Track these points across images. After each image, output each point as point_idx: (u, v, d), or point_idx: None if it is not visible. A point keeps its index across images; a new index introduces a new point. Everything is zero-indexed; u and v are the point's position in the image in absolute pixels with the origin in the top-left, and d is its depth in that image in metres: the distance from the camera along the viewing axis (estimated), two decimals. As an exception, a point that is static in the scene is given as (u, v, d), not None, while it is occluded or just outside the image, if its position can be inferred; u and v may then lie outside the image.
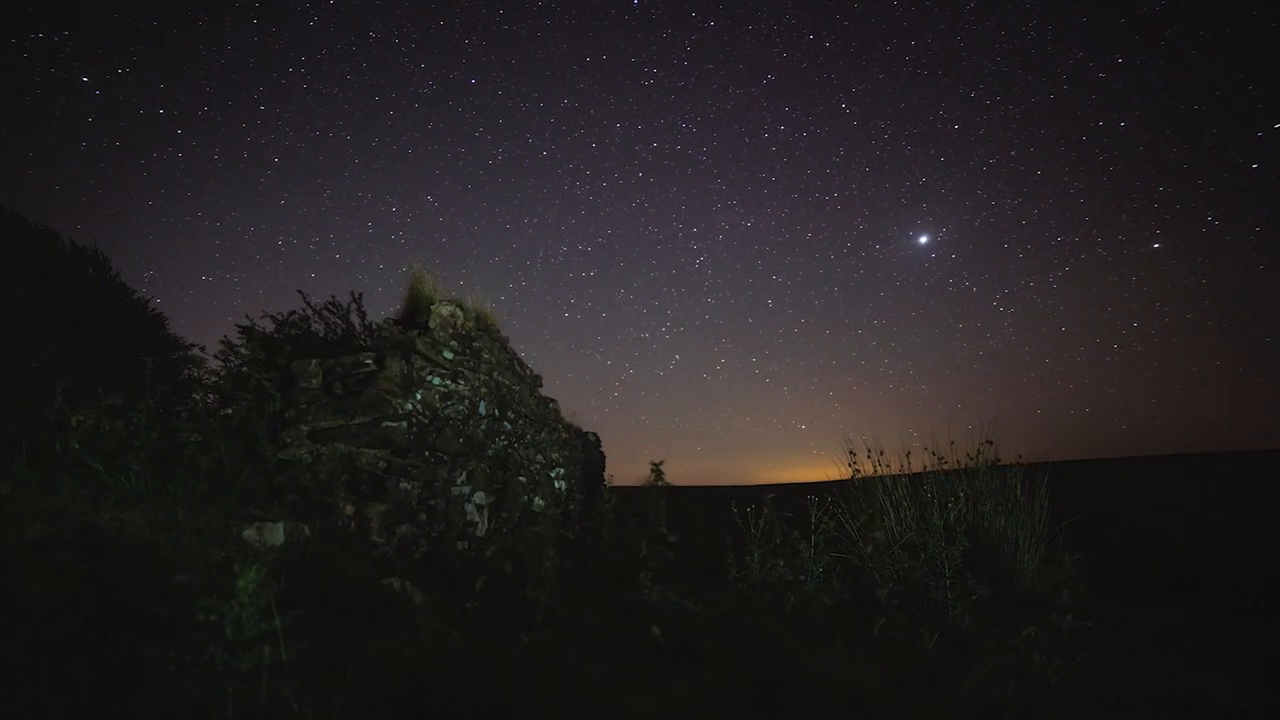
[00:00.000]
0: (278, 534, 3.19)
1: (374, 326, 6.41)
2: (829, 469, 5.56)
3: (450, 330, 5.08)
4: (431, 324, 4.92)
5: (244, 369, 4.64)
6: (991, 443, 5.03)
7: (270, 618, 1.78)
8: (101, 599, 2.19)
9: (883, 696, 2.66)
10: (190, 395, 4.94)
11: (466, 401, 5.17)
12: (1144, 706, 2.59)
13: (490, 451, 5.46)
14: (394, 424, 4.19)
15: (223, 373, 4.82)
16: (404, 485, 4.26)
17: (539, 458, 6.49)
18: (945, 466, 5.05)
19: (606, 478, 8.31)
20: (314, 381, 4.19)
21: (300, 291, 6.21)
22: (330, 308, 6.37)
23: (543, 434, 6.64)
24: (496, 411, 5.69)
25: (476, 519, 5.13)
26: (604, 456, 8.73)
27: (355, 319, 6.40)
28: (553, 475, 6.80)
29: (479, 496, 5.18)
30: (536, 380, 6.76)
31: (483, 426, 5.40)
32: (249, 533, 3.14)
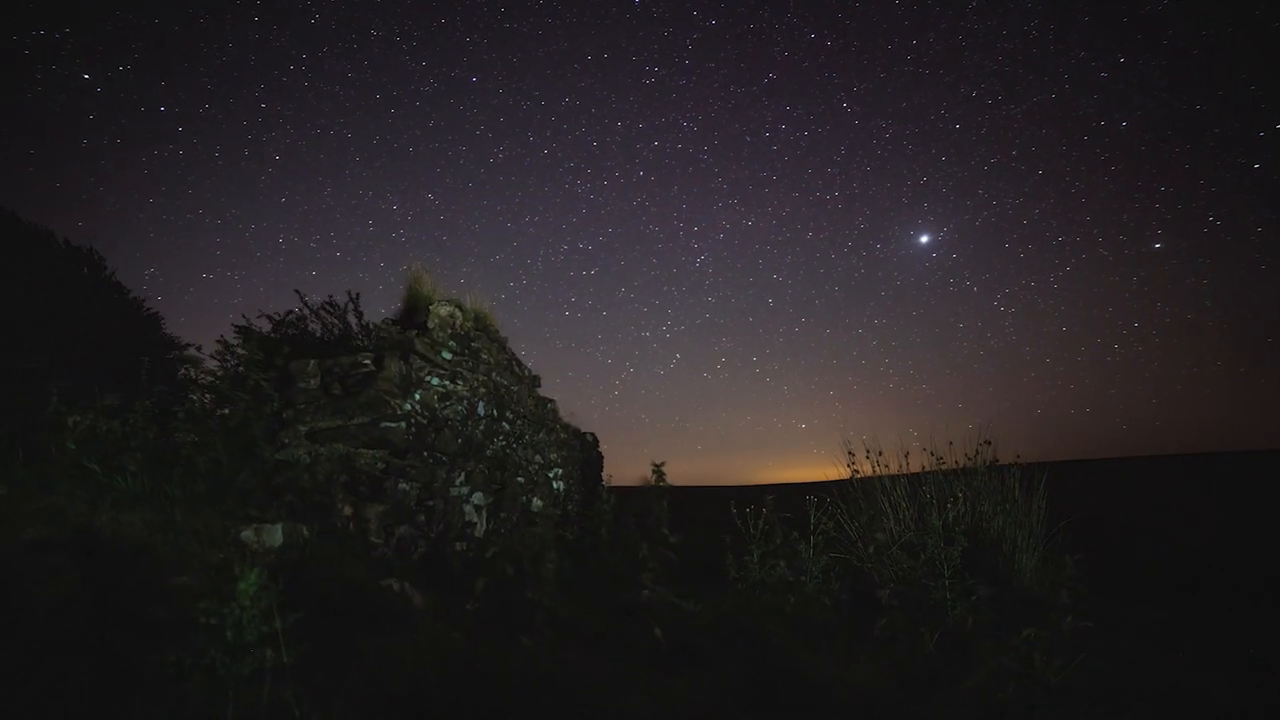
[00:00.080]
0: (276, 535, 3.18)
1: (371, 326, 6.39)
2: (828, 469, 5.56)
3: (449, 330, 5.07)
4: (430, 324, 4.90)
5: (241, 369, 4.61)
6: (990, 443, 5.03)
7: (271, 620, 1.77)
8: (99, 601, 2.18)
9: (884, 697, 2.66)
10: (187, 395, 4.92)
11: (465, 402, 5.16)
12: (1144, 706, 2.60)
13: (489, 452, 5.45)
14: (392, 424, 4.18)
15: (220, 373, 4.80)
16: (402, 486, 4.25)
17: (537, 458, 6.47)
18: (944, 467, 5.05)
19: (605, 478, 8.30)
20: (312, 382, 4.18)
21: (297, 291, 6.18)
22: (327, 307, 6.35)
23: (541, 434, 6.63)
24: (495, 412, 5.67)
25: (475, 520, 5.11)
26: (602, 457, 8.72)
27: (352, 319, 6.38)
28: (551, 476, 6.79)
29: (477, 497, 5.17)
30: (535, 380, 6.75)
31: (481, 427, 5.39)
32: (247, 534, 3.12)
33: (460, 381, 5.10)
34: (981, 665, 2.66)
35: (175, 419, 3.74)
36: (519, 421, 6.13)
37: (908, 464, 5.22)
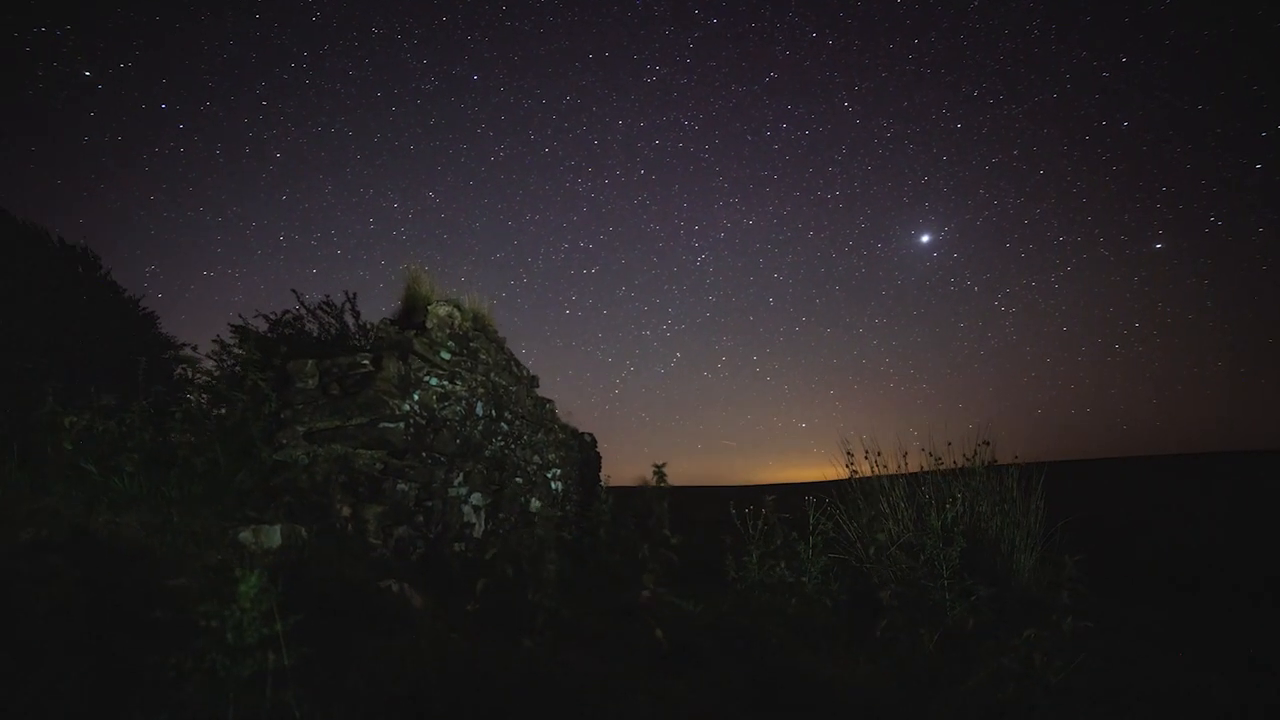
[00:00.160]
0: (274, 536, 3.16)
1: (368, 326, 6.37)
2: (826, 469, 5.57)
3: (447, 331, 5.05)
4: (429, 324, 4.89)
5: (238, 369, 4.59)
6: (988, 444, 5.04)
7: (271, 622, 1.76)
8: (97, 603, 2.16)
9: (884, 698, 2.66)
10: (183, 395, 4.89)
11: (463, 402, 5.14)
12: (1144, 706, 2.60)
13: (487, 452, 5.44)
14: (391, 425, 4.16)
15: (216, 373, 4.77)
16: (401, 486, 4.23)
17: (535, 458, 6.46)
18: (942, 467, 5.06)
19: (603, 478, 8.29)
20: (310, 382, 4.16)
21: (294, 291, 6.16)
22: (324, 307, 6.33)
23: (539, 435, 6.62)
24: (493, 412, 5.66)
25: (473, 520, 5.10)
26: (600, 457, 8.71)
27: (349, 318, 6.36)
28: (549, 476, 6.78)
29: (476, 498, 5.15)
30: (533, 381, 6.74)
31: (480, 427, 5.37)
32: (245, 535, 3.10)
33: (459, 382, 5.09)
34: (982, 666, 2.67)
35: (172, 419, 3.71)
36: (517, 422, 6.12)
37: (906, 464, 5.23)
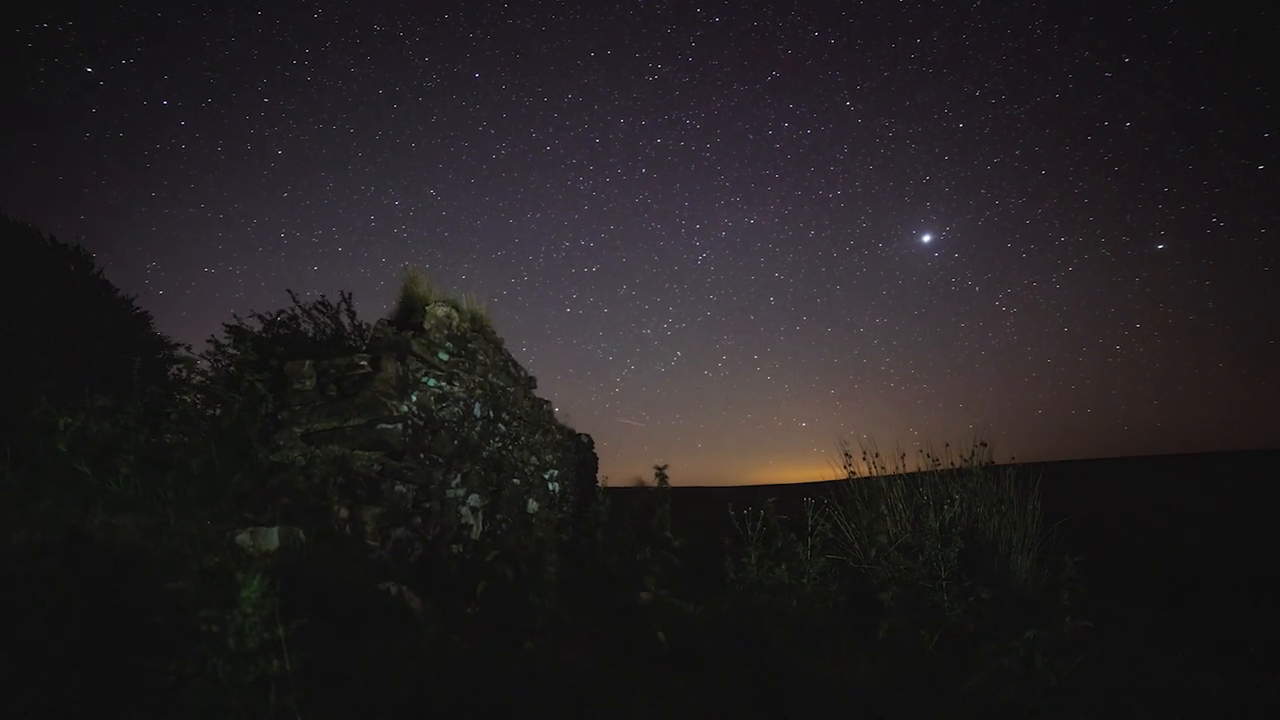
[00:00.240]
0: (272, 539, 3.13)
1: (364, 326, 6.33)
2: (825, 469, 5.57)
3: (445, 331, 5.03)
4: (427, 325, 4.86)
5: (232, 369, 4.55)
6: (986, 444, 5.06)
7: (273, 627, 1.74)
8: (94, 606, 2.13)
9: (886, 700, 2.66)
10: (177, 396, 4.84)
11: (461, 403, 5.12)
12: (1144, 706, 2.61)
13: (485, 454, 5.41)
14: (389, 426, 4.13)
15: (211, 373, 4.73)
16: (399, 488, 4.21)
17: (533, 459, 6.44)
18: (940, 468, 5.08)
19: (600, 479, 8.28)
20: (307, 383, 4.12)
21: (289, 290, 6.13)
22: (320, 307, 6.29)
23: (537, 436, 6.60)
24: (491, 413, 5.64)
25: (471, 522, 5.08)
26: (597, 458, 8.70)
27: (345, 318, 6.32)
28: (547, 477, 6.76)
29: (474, 499, 5.13)
30: (531, 382, 6.72)
31: (477, 428, 5.35)
32: (242, 537, 3.07)
33: (457, 383, 5.06)
34: (982, 666, 2.67)
35: (168, 420, 3.68)
36: (515, 423, 6.10)
37: (904, 465, 5.25)
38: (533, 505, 6.21)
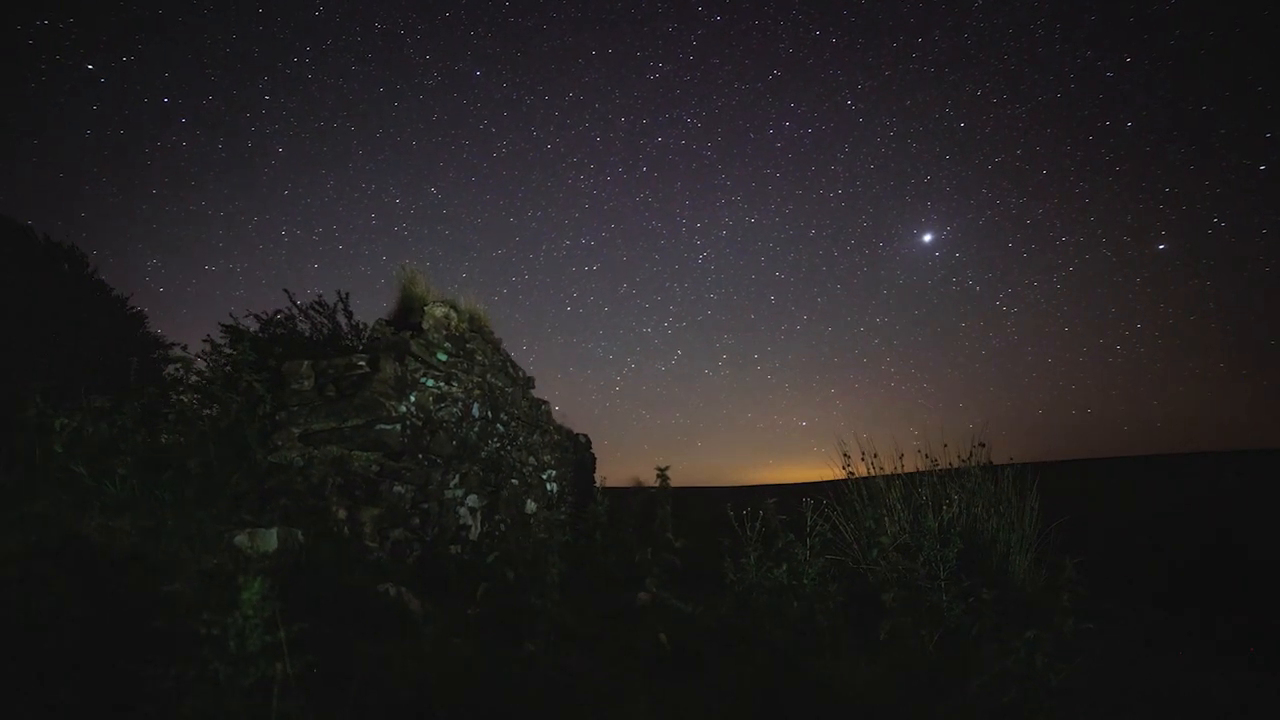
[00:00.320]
0: (270, 540, 3.11)
1: (361, 326, 6.31)
2: (824, 470, 5.57)
3: (444, 332, 5.01)
4: (425, 325, 4.84)
5: (228, 369, 4.52)
6: (984, 445, 5.07)
7: (274, 629, 1.72)
8: (91, 610, 2.11)
9: (889, 701, 2.66)
10: (174, 396, 4.81)
11: (460, 404, 5.10)
12: (1144, 707, 2.62)
13: (483, 454, 5.40)
14: (388, 427, 4.12)
15: (208, 373, 4.70)
16: (397, 489, 4.19)
17: (531, 460, 6.42)
18: (939, 468, 5.08)
19: (598, 479, 8.26)
20: (306, 383, 4.10)
21: (286, 290, 6.10)
22: (316, 307, 6.26)
23: (535, 436, 6.58)
24: (489, 414, 5.62)
25: (470, 522, 5.06)
26: (595, 458, 8.69)
27: (342, 318, 6.29)
28: (545, 478, 6.74)
29: (472, 500, 5.11)
30: (529, 382, 6.70)
31: (476, 429, 5.33)
32: (241, 539, 3.05)
33: (455, 383, 5.05)
34: (983, 668, 2.67)
35: (165, 421, 3.65)
36: (513, 423, 6.08)
37: (902, 465, 5.25)
38: (531, 506, 6.20)
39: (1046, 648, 2.45)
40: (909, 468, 5.23)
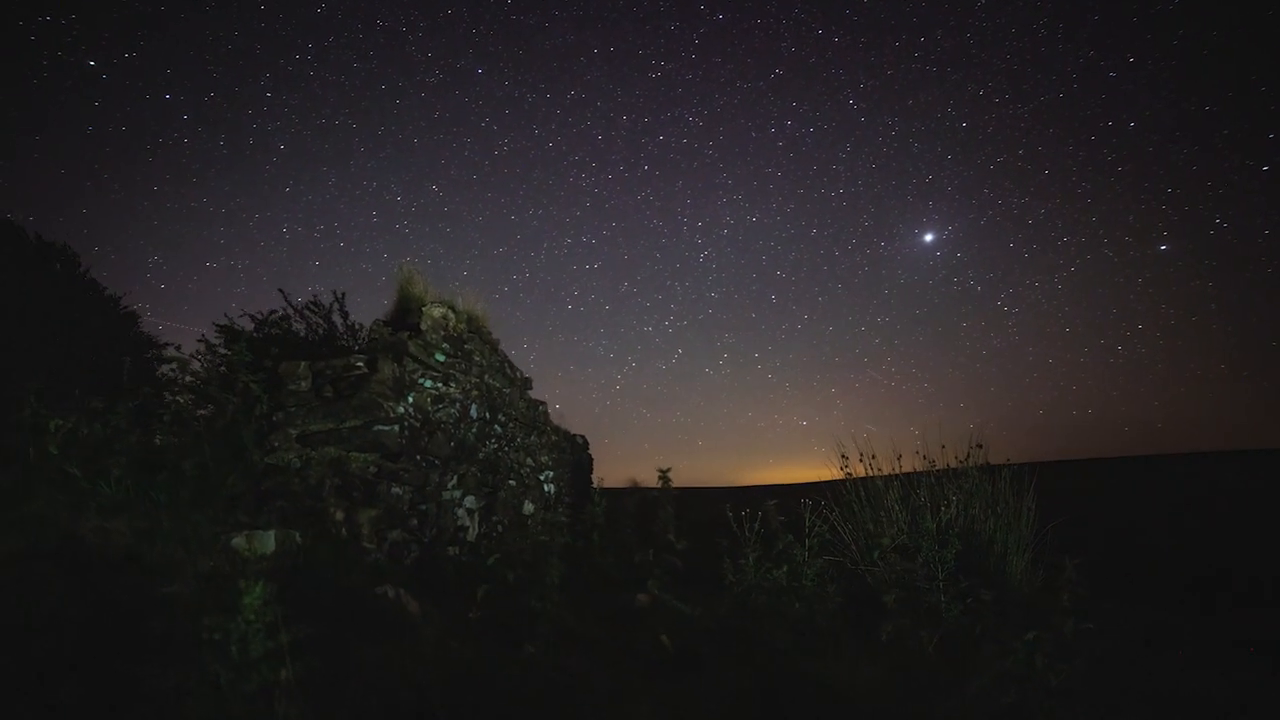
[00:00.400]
0: (268, 542, 3.08)
1: (356, 326, 6.28)
2: (823, 470, 5.58)
3: (442, 332, 4.99)
4: (423, 326, 4.82)
5: (223, 369, 4.48)
6: (981, 446, 5.09)
7: (275, 634, 1.71)
8: (89, 613, 2.08)
9: (890, 702, 2.66)
10: (168, 397, 4.76)
11: (458, 404, 5.08)
12: (1144, 707, 2.63)
13: (481, 455, 5.37)
14: (386, 428, 4.09)
15: (203, 374, 4.66)
16: (395, 490, 4.16)
17: (529, 461, 6.41)
18: (936, 468, 5.09)
19: (595, 480, 8.25)
20: (303, 384, 4.07)
21: (281, 290, 6.06)
22: (312, 307, 6.23)
23: (532, 437, 6.56)
24: (487, 414, 5.60)
25: (467, 524, 5.04)
26: (592, 459, 8.67)
27: (338, 318, 6.26)
28: (542, 478, 6.72)
29: (470, 501, 5.09)
30: (526, 383, 6.68)
31: (474, 430, 5.31)
32: (238, 541, 3.03)
33: (453, 384, 5.02)
34: (983, 669, 2.67)
35: (160, 422, 3.62)
36: (511, 424, 6.06)
37: (900, 465, 5.26)
38: (528, 507, 6.18)
39: (1046, 648, 2.45)
40: (907, 468, 5.24)
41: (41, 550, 2.42)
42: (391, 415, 4.16)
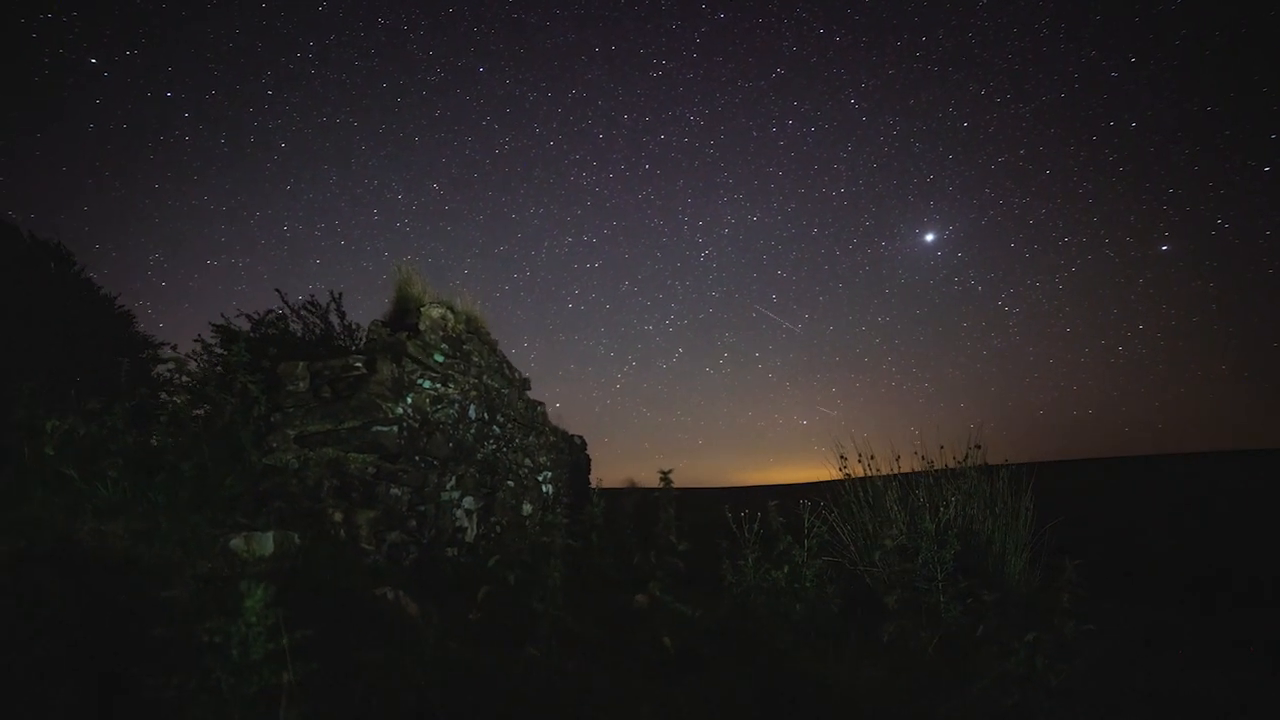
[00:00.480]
0: (267, 544, 3.06)
1: (353, 326, 6.25)
2: (823, 470, 5.58)
3: (440, 333, 4.97)
4: (421, 326, 4.80)
5: (219, 369, 4.45)
6: (980, 447, 5.09)
7: (276, 637, 1.69)
8: (86, 616, 2.06)
9: (892, 703, 2.66)
10: (165, 397, 4.72)
11: (456, 405, 5.06)
12: (1144, 707, 2.63)
13: (479, 456, 5.36)
14: (385, 428, 4.07)
15: (199, 374, 4.63)
16: (394, 491, 4.14)
17: (527, 461, 6.39)
18: (935, 469, 5.10)
19: (594, 481, 8.24)
20: (301, 385, 4.05)
21: (278, 290, 6.04)
22: (309, 307, 6.20)
23: (531, 437, 6.55)
24: (486, 415, 5.58)
25: (466, 525, 5.02)
26: (590, 459, 8.66)
27: (334, 318, 6.24)
28: (540, 479, 6.71)
29: (468, 502, 5.07)
30: (525, 383, 6.67)
31: (472, 430, 5.29)
32: (236, 542, 3.00)
33: (451, 384, 5.01)
34: (984, 669, 2.67)
35: (157, 423, 3.59)
36: (509, 425, 6.04)
37: (899, 466, 5.26)
38: (527, 508, 6.16)
39: (1047, 649, 2.45)
40: (905, 468, 5.25)
41: (37, 553, 2.40)
42: (390, 416, 4.14)
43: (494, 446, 5.67)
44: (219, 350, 5.18)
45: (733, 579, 4.30)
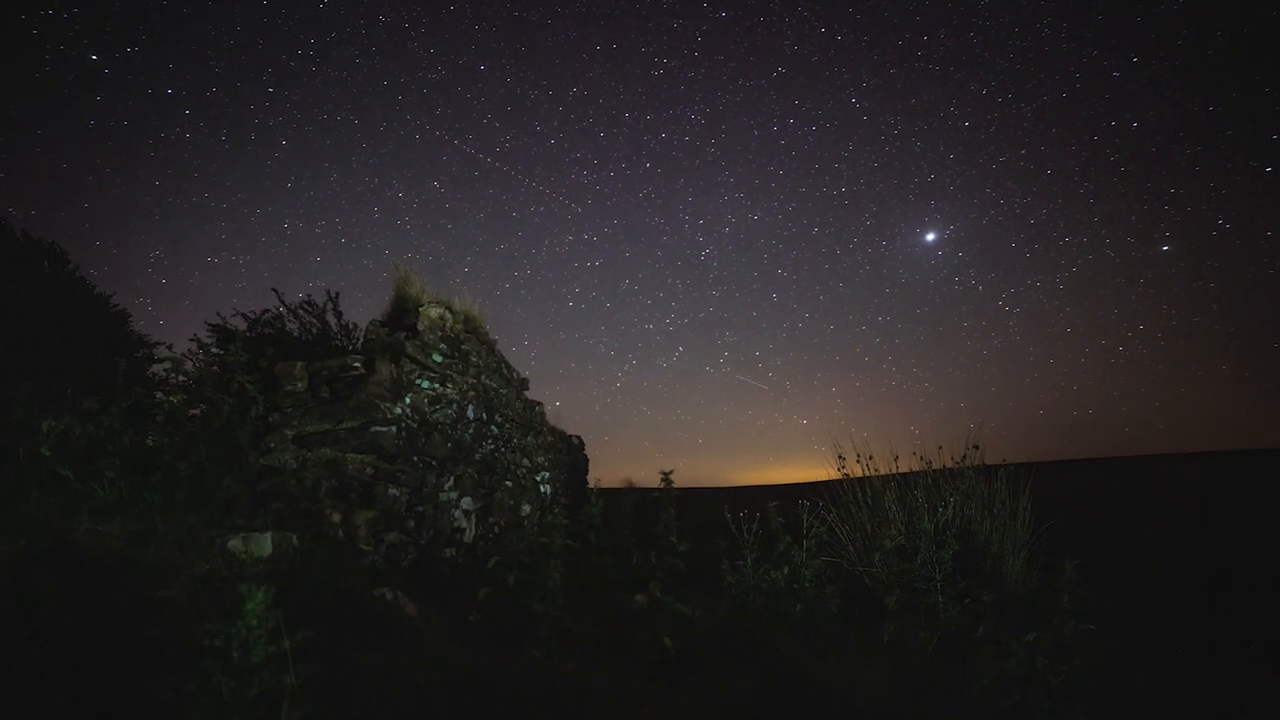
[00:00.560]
0: (265, 544, 3.05)
1: (351, 326, 6.22)
2: (823, 470, 5.58)
3: (439, 333, 4.95)
4: (420, 326, 4.78)
5: (215, 369, 4.42)
6: (978, 447, 5.10)
7: (278, 639, 1.68)
8: (83, 618, 2.04)
9: (892, 703, 2.66)
10: (161, 397, 4.69)
11: (455, 405, 5.05)
12: (1145, 707, 2.64)
13: (478, 456, 5.34)
14: (383, 429, 4.05)
15: (196, 374, 4.61)
16: (392, 491, 4.13)
17: (525, 461, 6.38)
18: (933, 469, 5.10)
19: (592, 481, 8.23)
20: (299, 385, 4.03)
21: (274, 289, 6.01)
22: (305, 306, 6.17)
23: (529, 437, 6.53)
24: (484, 415, 5.56)
25: (464, 525, 5.00)
26: (588, 460, 8.66)
27: (331, 318, 6.21)
28: (539, 479, 6.70)
29: (466, 502, 5.06)
30: (523, 383, 6.65)
31: (471, 430, 5.28)
32: (234, 543, 2.99)
33: (450, 384, 4.99)
34: (984, 670, 2.67)
35: (153, 423, 3.56)
36: (507, 425, 6.03)
37: (897, 466, 5.27)
38: (525, 508, 6.15)
39: (1047, 649, 2.45)
40: (904, 468, 5.25)
41: (34, 554, 2.38)
42: (388, 416, 4.12)
43: (492, 447, 5.65)
44: (215, 350, 5.15)
45: (732, 579, 4.30)
